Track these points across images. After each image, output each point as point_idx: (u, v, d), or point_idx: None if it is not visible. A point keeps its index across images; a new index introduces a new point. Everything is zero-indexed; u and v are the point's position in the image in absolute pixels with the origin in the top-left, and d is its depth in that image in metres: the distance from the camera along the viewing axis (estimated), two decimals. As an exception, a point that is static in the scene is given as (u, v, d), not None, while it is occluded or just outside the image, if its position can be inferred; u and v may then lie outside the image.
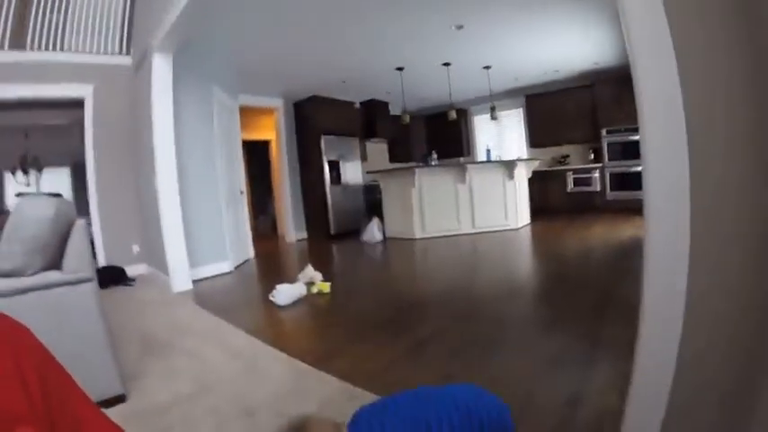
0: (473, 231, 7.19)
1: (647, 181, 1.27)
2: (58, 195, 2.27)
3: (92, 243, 2.35)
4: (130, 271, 4.77)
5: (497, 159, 8.17)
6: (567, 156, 9.05)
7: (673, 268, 1.25)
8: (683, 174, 1.20)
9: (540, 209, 8.36)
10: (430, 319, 3.33)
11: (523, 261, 5.51)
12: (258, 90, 7.17)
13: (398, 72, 7.16)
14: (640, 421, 1.37)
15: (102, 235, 4.82)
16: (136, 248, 5.00)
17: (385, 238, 7.30)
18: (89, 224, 4.11)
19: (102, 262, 4.77)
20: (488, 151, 8.74)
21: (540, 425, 1.81)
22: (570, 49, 6.67)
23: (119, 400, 2.04)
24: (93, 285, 1.96)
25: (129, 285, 4.52)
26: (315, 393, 2.18)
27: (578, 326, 2.94)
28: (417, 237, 7.12)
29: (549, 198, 8.85)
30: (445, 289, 4.22)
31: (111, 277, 4.48)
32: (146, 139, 4.40)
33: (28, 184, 9.19)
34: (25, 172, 8.89)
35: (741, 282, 1.19)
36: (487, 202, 7.26)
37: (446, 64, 7.03)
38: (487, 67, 7.36)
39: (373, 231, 7.22)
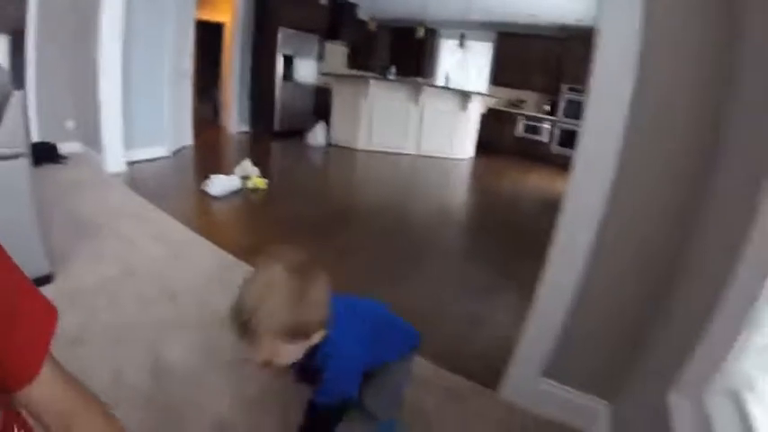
0: (417, 153, 7.38)
1: (583, 129, 1.43)
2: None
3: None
4: (64, 149, 4.53)
5: (455, 88, 8.18)
6: (524, 101, 9.17)
7: (585, 220, 1.47)
8: (617, 136, 1.36)
9: (486, 145, 8.58)
10: (359, 231, 3.60)
11: (459, 191, 5.84)
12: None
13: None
14: (532, 346, 1.69)
15: (37, 109, 4.54)
16: (70, 125, 4.75)
17: (329, 144, 7.35)
18: (24, 97, 3.89)
19: (34, 137, 4.55)
20: (447, 78, 8.70)
21: (444, 337, 2.14)
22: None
23: (46, 280, 2.15)
24: (26, 162, 1.98)
25: (61, 163, 4.38)
26: (237, 284, 2.39)
27: (497, 259, 3.30)
28: (360, 147, 7.23)
29: (497, 137, 9.03)
30: (379, 204, 4.48)
31: (43, 154, 4.30)
32: (91, 5, 4.11)
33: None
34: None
35: (646, 245, 1.43)
36: (437, 127, 7.39)
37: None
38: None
39: (318, 135, 7.24)
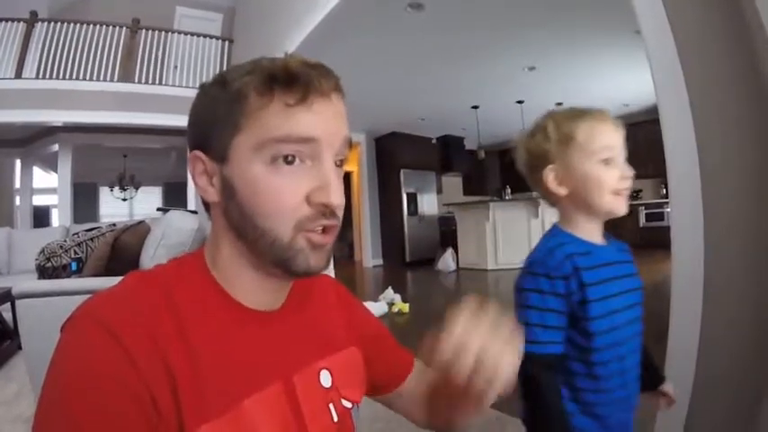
0: (546, 264, 7.17)
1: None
2: (194, 212, 2.71)
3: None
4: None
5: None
6: (640, 190, 8.79)
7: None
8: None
9: (612, 244, 8.13)
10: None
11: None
12: (342, 126, 7.70)
13: (474, 110, 7.44)
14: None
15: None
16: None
17: (458, 268, 7.46)
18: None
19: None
20: (561, 187, 8.71)
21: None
22: (642, 81, 6.64)
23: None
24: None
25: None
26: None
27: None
28: (490, 267, 7.20)
29: (621, 233, 8.50)
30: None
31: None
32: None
33: (125, 199, 10.30)
34: (123, 188, 9.98)
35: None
36: (560, 236, 7.23)
37: (519, 102, 7.25)
38: (559, 104, 7.46)
39: (447, 260, 7.40)
